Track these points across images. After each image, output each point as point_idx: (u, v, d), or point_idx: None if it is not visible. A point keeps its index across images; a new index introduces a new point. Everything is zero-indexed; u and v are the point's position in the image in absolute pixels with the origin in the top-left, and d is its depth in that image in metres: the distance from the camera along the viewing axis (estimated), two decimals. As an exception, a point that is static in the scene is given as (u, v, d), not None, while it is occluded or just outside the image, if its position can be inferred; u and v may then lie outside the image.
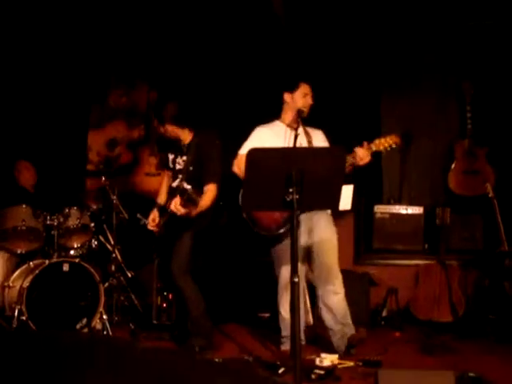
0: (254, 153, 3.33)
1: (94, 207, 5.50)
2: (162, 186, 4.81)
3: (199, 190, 4.31)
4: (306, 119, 4.37)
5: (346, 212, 4.54)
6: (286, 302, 4.29)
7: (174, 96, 4.80)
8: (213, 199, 4.38)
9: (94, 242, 5.37)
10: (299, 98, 4.40)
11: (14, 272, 4.88)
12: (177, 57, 6.55)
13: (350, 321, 4.37)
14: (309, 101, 4.40)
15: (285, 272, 4.28)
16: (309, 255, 4.40)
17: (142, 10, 6.26)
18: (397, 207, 6.11)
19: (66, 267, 4.70)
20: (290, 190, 3.21)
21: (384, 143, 4.30)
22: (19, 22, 6.00)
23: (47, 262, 4.67)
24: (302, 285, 4.50)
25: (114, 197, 5.51)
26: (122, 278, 5.46)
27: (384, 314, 5.49)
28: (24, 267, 4.82)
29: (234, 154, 4.47)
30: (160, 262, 5.11)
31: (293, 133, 4.16)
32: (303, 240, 4.22)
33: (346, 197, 4.38)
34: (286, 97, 4.47)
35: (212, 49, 6.39)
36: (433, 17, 6.20)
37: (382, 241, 6.05)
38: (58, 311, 4.59)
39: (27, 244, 4.97)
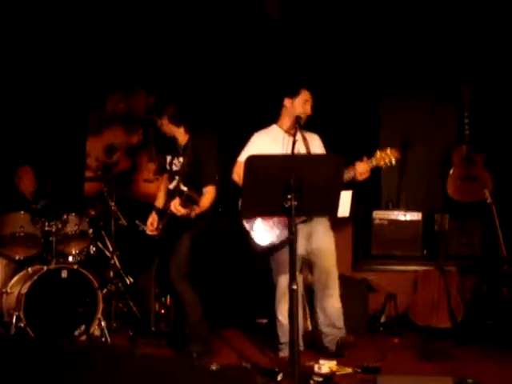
0: (252, 160, 3.33)
1: (93, 213, 5.49)
2: (159, 189, 4.82)
3: (196, 191, 4.31)
4: (303, 125, 4.40)
5: (344, 218, 4.54)
6: (285, 309, 4.29)
7: (173, 100, 4.81)
8: (212, 201, 4.39)
9: (93, 249, 5.35)
10: (299, 105, 4.41)
11: (12, 278, 4.87)
12: (175, 62, 6.56)
13: (342, 325, 4.41)
14: (308, 108, 4.41)
15: (283, 279, 4.27)
16: (308, 260, 4.43)
17: (140, 16, 6.28)
18: (395, 213, 6.10)
19: (64, 273, 4.68)
20: (289, 196, 3.22)
21: (385, 157, 4.33)
22: (18, 28, 6.01)
23: (45, 268, 4.65)
24: (300, 291, 4.50)
25: (113, 203, 5.51)
26: (120, 285, 5.44)
27: (382, 320, 5.48)
28: (22, 273, 4.80)
29: (233, 161, 4.48)
30: (160, 265, 5.09)
31: (291, 139, 4.17)
32: (302, 246, 4.22)
33: (345, 203, 4.37)
34: (286, 102, 4.47)
35: (210, 55, 6.41)
36: (431, 23, 6.22)
37: (380, 247, 6.05)
38: (57, 318, 4.57)
39: (25, 250, 4.95)
